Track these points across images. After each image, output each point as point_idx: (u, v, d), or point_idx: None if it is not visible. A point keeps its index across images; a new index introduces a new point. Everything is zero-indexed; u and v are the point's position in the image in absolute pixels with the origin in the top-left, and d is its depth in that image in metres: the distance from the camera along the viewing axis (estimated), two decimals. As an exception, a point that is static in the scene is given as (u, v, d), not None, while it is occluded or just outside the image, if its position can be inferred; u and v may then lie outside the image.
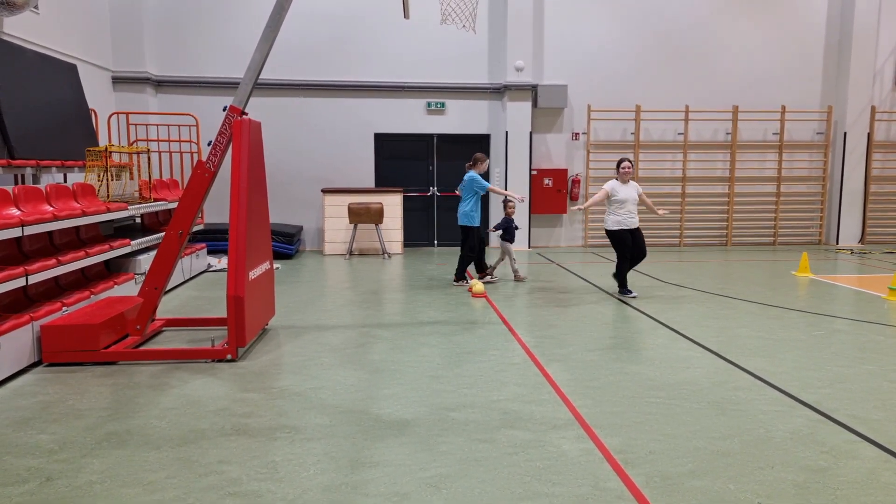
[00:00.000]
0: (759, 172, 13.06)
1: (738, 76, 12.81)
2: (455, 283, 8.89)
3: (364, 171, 12.82)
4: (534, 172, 12.85)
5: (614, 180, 7.96)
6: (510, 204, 9.07)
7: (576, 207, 8.27)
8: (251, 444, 3.75)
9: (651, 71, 12.80)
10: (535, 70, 12.65)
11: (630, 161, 7.91)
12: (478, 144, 13.19)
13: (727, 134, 12.91)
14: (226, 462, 3.53)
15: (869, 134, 12.70)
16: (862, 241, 12.99)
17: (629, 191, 7.84)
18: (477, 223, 8.81)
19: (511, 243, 9.14)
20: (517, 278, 9.18)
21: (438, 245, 13.34)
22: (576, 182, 12.93)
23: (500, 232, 9.23)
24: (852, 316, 6.99)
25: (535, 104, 12.68)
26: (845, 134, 12.61)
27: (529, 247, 12.84)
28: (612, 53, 12.75)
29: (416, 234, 13.26)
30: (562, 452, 3.67)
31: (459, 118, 12.91)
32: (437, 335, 6.24)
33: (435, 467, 3.48)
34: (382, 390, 4.70)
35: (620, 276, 8.05)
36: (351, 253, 11.97)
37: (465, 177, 8.77)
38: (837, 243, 12.87)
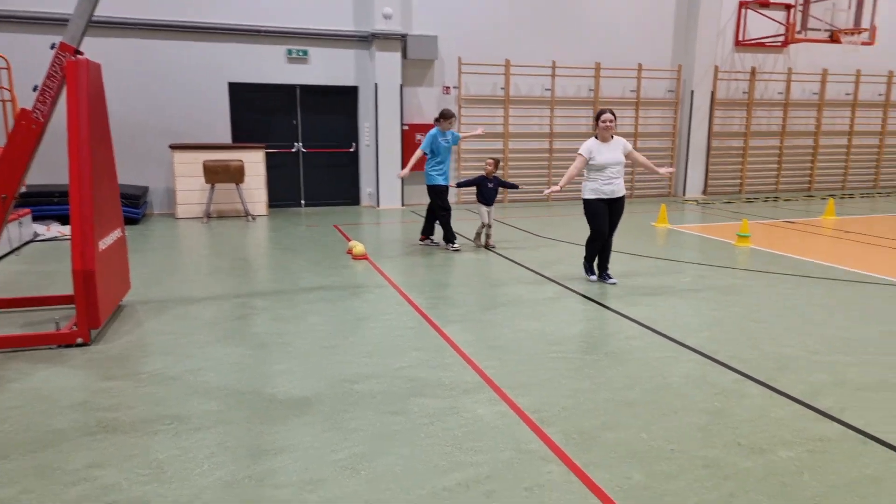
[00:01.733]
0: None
1: (599, 34, 13.20)
2: (449, 247, 8.19)
3: (219, 125, 11.76)
4: (405, 127, 12.50)
5: (592, 140, 6.26)
6: (489, 161, 8.24)
7: (549, 190, 6.40)
8: (125, 442, 3.21)
9: (519, 25, 12.81)
10: (404, 19, 12.18)
11: (612, 113, 6.16)
12: (346, 97, 12.56)
13: (590, 90, 13.34)
14: (97, 466, 2.99)
15: (712, 92, 13.71)
16: (705, 192, 14.13)
17: (612, 152, 6.18)
18: (436, 181, 8.13)
19: (487, 206, 8.24)
20: (485, 243, 8.37)
21: (307, 205, 12.67)
22: (447, 137, 12.75)
23: (471, 190, 8.54)
24: (711, 262, 7.51)
25: (404, 55, 12.24)
26: (692, 92, 13.51)
27: (403, 204, 12.58)
28: (482, 5, 12.57)
29: (282, 193, 12.49)
30: (478, 417, 3.52)
31: (324, 68, 12.17)
32: (322, 302, 5.84)
33: (347, 447, 3.18)
34: (273, 366, 4.27)
35: (587, 255, 6.62)
36: (209, 216, 11.01)
37: None
38: (685, 195, 13.90)
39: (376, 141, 12.34)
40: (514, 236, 9.25)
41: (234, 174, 10.94)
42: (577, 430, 3.38)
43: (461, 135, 8.52)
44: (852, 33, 12.67)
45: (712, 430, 3.40)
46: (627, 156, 6.29)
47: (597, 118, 6.22)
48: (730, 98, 14.04)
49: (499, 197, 13.31)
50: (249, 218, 11.04)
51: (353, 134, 12.77)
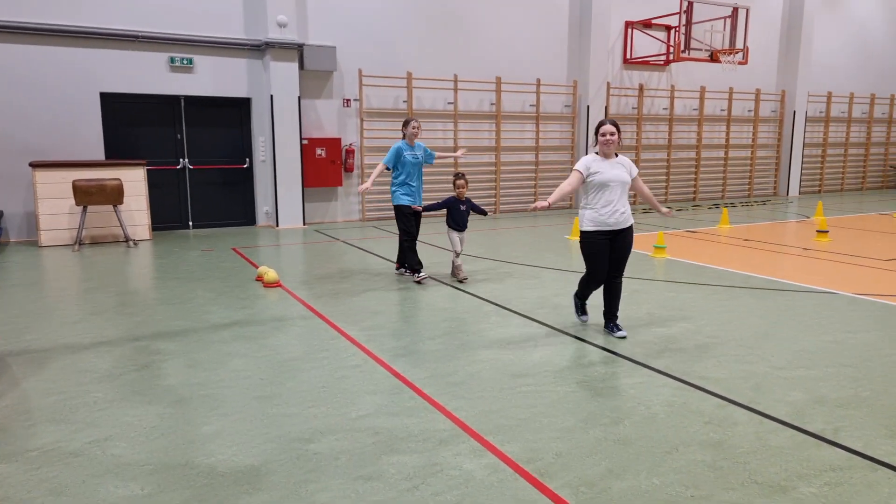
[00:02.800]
0: (520, 142, 13.71)
1: (499, 49, 13.17)
2: (416, 279, 7.05)
3: (89, 140, 10.42)
4: (304, 142, 11.75)
5: (591, 155, 5.12)
6: (458, 181, 7.02)
7: (535, 206, 4.98)
8: (23, 558, 2.41)
9: (420, 38, 12.49)
10: (300, 28, 11.47)
11: (615, 125, 4.99)
12: (237, 109, 11.62)
13: (492, 104, 13.27)
14: None
15: (606, 107, 14.11)
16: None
17: (615, 171, 5.00)
18: (400, 201, 7.08)
19: (458, 231, 7.06)
20: (455, 274, 7.13)
21: (195, 227, 11.54)
22: (350, 152, 12.16)
23: (447, 215, 7.12)
24: (639, 275, 7.49)
25: (301, 66, 11.52)
26: (588, 107, 13.83)
27: (304, 223, 11.78)
28: (381, 16, 12.12)
29: (167, 214, 11.29)
30: (467, 475, 3.03)
31: (212, 78, 11.18)
32: (241, 340, 5.08)
33: (325, 533, 2.58)
34: (201, 428, 3.53)
35: (579, 293, 5.48)
36: (80, 242, 9.68)
37: None
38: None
39: (273, 156, 11.49)
40: (434, 257, 8.83)
41: (112, 195, 9.70)
42: (582, 482, 2.98)
43: (437, 154, 7.56)
44: (730, 53, 13.53)
45: (722, 467, 3.12)
46: (632, 182, 5.17)
47: (596, 131, 5.05)
48: (621, 113, 14.53)
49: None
50: (131, 243, 9.82)
51: (246, 148, 11.83)
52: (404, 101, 12.53)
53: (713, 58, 13.68)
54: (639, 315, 5.78)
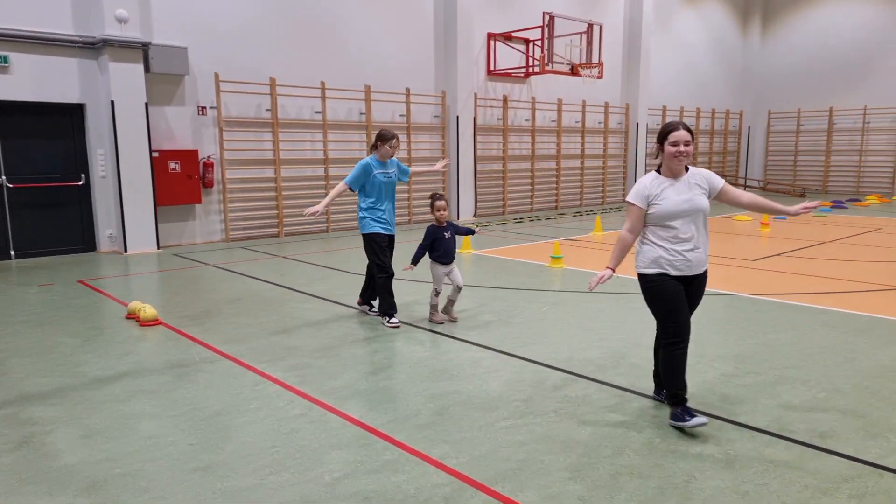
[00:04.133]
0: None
1: (368, 57, 12.67)
2: (387, 323, 5.77)
3: None
4: (155, 154, 10.38)
5: (650, 175, 3.72)
6: (437, 202, 5.74)
7: (599, 279, 3.67)
8: None
9: (284, 42, 11.63)
10: (144, 25, 10.13)
11: (689, 130, 3.60)
12: (68, 117, 9.99)
13: (361, 114, 12.72)
14: None
15: (474, 118, 14.17)
16: (475, 214, 14.52)
17: (688, 194, 3.61)
18: (372, 229, 5.80)
19: (444, 265, 5.74)
20: (433, 317, 5.85)
21: (18, 256, 9.71)
22: (209, 166, 10.96)
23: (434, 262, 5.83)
24: (548, 287, 7.42)
25: (147, 68, 10.18)
26: (458, 118, 13.78)
27: (158, 247, 10.39)
28: (239, 17, 11.10)
29: (-17, 242, 9.37)
30: (499, 542, 2.57)
31: (34, 80, 9.49)
32: (142, 395, 4.15)
33: None
34: (136, 523, 2.71)
35: (668, 376, 3.66)
36: None
37: None
38: (459, 218, 14.08)
39: (117, 171, 10.00)
40: (309, 270, 8.13)
41: None
42: (623, 529, 2.66)
43: (411, 168, 6.38)
44: (589, 67, 14.23)
45: (748, 492, 2.96)
46: (719, 196, 3.73)
47: (660, 138, 3.64)
48: (487, 124, 14.70)
49: (272, 230, 11.91)
50: (-61, 280, 7.96)
51: (81, 163, 10.20)
52: (267, 110, 11.59)
53: (574, 71, 14.30)
54: (575, 328, 5.63)
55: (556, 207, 16.50)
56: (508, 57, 14.82)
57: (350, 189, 5.85)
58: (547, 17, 13.82)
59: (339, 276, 8.09)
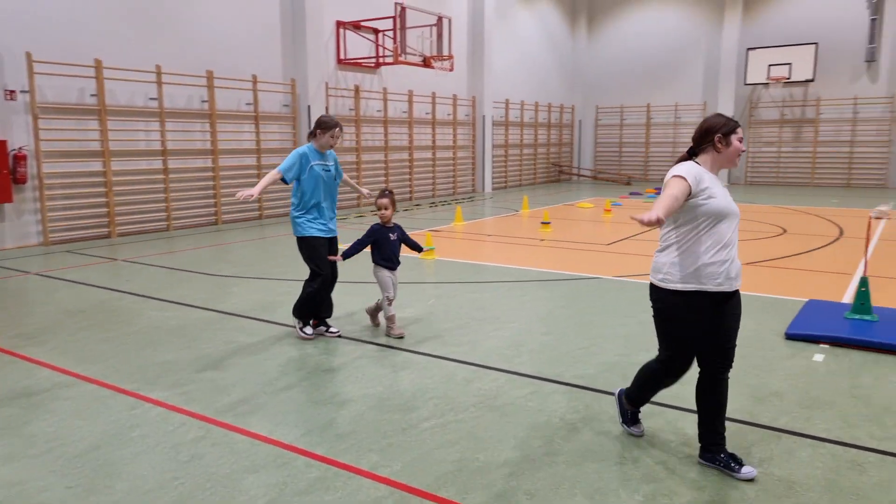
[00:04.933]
0: (238, 144, 12.42)
1: (209, 40, 11.64)
2: (301, 334, 5.10)
3: None
4: (-49, 145, 8.73)
5: (693, 164, 3.06)
6: (381, 200, 5.16)
7: (644, 218, 2.65)
8: None
9: (111, 20, 10.31)
10: (-70, -9, 8.46)
11: (737, 126, 3.10)
12: None
13: (203, 101, 11.70)
14: None
15: (326, 108, 13.65)
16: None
17: (729, 196, 3.10)
18: (307, 231, 5.05)
19: (389, 269, 5.20)
20: (389, 330, 5.19)
21: None
22: (20, 158, 9.44)
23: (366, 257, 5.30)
24: (428, 279, 7.32)
25: (-64, 43, 8.52)
26: (309, 107, 13.19)
27: (-37, 254, 8.77)
28: (54, -13, 9.66)
29: None
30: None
31: None
32: (-16, 435, 3.40)
33: None
34: None
35: (634, 392, 3.39)
36: None
37: None
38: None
39: None
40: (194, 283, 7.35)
41: None
42: (579, 521, 2.62)
43: (345, 175, 5.52)
44: (441, 59, 14.30)
45: (765, 484, 3.07)
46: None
47: (729, 132, 3.04)
48: (339, 114, 14.23)
49: (101, 230, 10.52)
50: None
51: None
52: (93, 95, 10.24)
53: (426, 63, 14.30)
54: (476, 322, 5.58)
55: (410, 199, 16.49)
56: (358, 46, 14.48)
57: (283, 180, 4.99)
58: (399, 8, 13.67)
59: (195, 278, 7.36)
